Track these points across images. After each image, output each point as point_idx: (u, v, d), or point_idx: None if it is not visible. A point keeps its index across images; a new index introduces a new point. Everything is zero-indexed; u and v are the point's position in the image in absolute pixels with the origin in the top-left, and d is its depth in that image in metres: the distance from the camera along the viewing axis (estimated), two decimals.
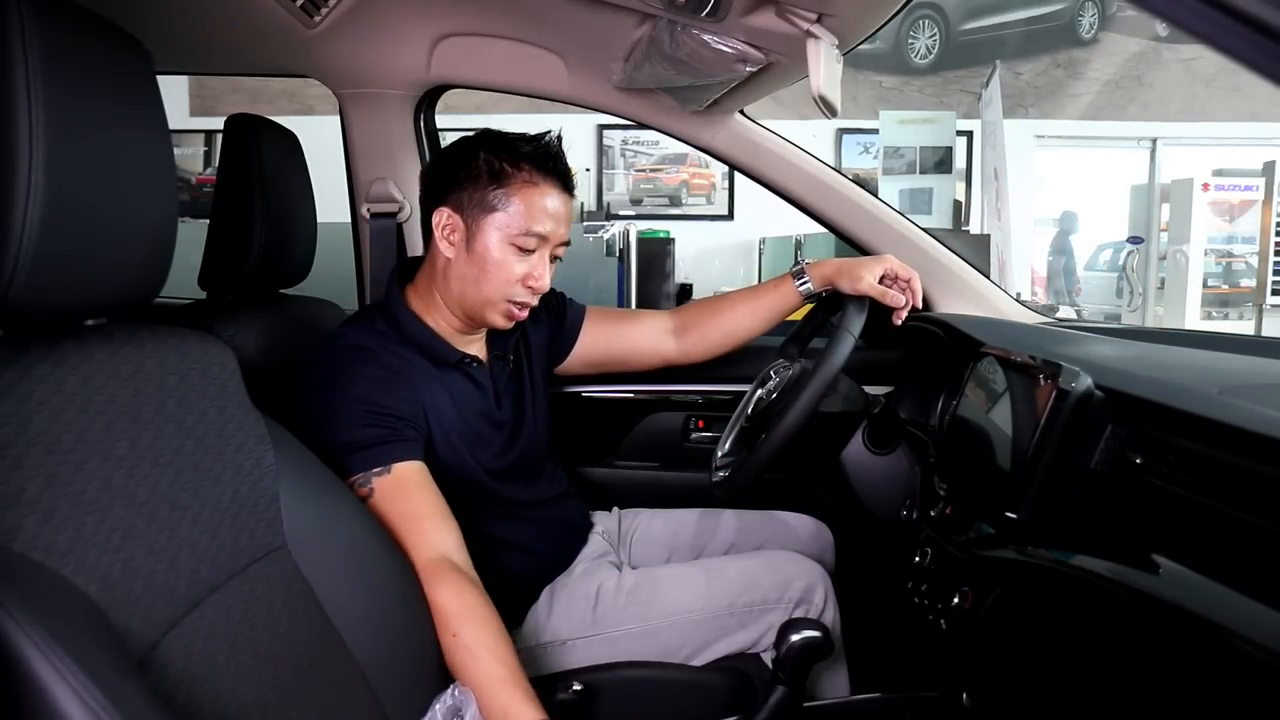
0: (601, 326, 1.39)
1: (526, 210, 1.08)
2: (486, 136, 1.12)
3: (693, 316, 1.40)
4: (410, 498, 0.99)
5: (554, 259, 1.15)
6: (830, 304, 1.30)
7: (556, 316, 1.35)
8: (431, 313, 1.14)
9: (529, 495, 1.22)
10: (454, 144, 1.15)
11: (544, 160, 1.11)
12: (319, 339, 1.32)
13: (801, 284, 1.31)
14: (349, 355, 1.06)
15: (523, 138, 1.12)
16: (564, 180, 1.13)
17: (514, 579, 1.16)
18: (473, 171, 1.09)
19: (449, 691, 0.88)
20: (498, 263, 1.09)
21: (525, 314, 1.14)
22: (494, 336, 1.21)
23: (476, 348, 1.19)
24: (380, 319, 1.13)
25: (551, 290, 1.26)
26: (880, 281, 1.23)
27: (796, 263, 1.35)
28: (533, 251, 1.10)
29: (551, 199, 1.10)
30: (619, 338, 1.39)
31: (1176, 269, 5.48)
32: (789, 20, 0.97)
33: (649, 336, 1.40)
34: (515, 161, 1.09)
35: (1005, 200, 4.21)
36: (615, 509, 1.45)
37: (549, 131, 1.13)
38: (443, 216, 1.10)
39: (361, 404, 1.00)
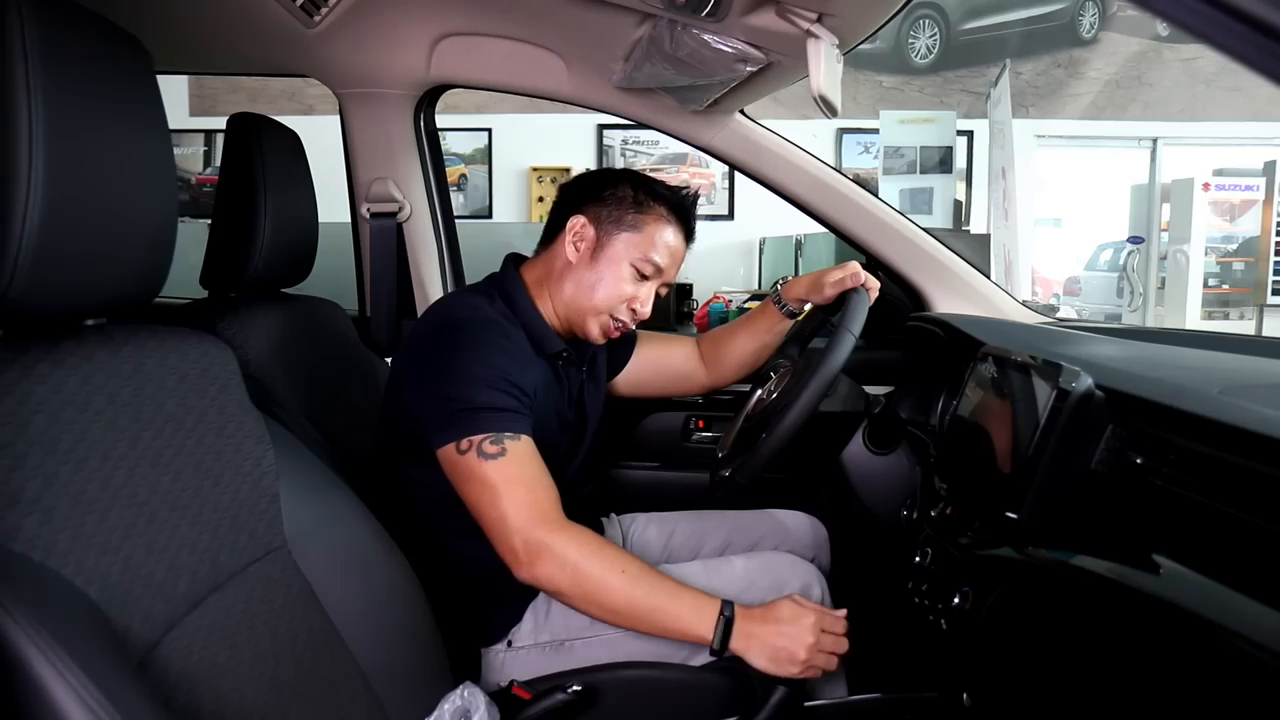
0: (650, 351, 1.45)
1: (655, 239, 1.19)
2: (633, 173, 1.24)
3: (709, 347, 1.46)
4: (537, 464, 1.05)
5: (656, 294, 1.23)
6: (830, 305, 1.30)
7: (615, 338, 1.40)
8: (541, 305, 1.21)
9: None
10: (603, 169, 1.28)
11: (679, 206, 1.22)
12: (321, 339, 1.32)
13: (782, 308, 1.36)
14: (489, 325, 1.11)
15: (663, 184, 1.24)
16: (689, 229, 1.24)
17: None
18: (619, 193, 1.20)
19: (457, 691, 0.88)
20: (615, 278, 1.18)
21: (619, 333, 1.22)
22: (573, 345, 1.26)
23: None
24: (498, 297, 1.19)
25: None
26: None
27: (774, 286, 1.39)
28: (646, 279, 1.19)
29: (676, 239, 1.21)
30: (663, 363, 1.46)
31: (1177, 269, 5.48)
32: (789, 20, 0.97)
33: (687, 363, 1.46)
34: (660, 196, 1.20)
35: (1012, 200, 4.20)
36: (612, 515, 1.46)
37: (688, 185, 1.26)
38: (578, 224, 1.19)
39: (501, 373, 1.06)
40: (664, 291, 1.24)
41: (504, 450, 1.01)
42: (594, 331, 1.20)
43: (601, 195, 1.20)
